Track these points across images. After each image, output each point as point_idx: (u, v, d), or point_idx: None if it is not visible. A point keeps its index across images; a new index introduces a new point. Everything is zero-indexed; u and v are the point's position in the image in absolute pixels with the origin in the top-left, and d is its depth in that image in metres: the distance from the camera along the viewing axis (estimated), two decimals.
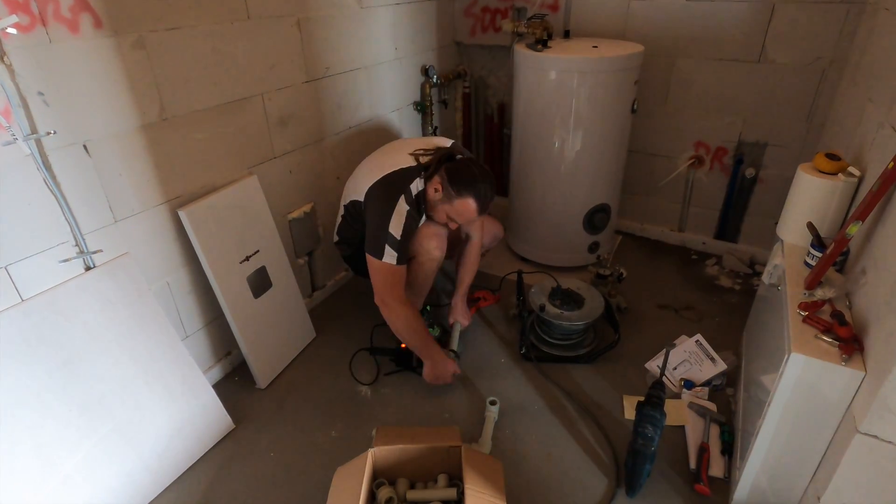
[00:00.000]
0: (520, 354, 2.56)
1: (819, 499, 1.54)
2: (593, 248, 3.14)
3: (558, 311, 2.48)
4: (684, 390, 2.31)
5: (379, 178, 2.24)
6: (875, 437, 1.38)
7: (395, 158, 2.30)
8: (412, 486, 1.87)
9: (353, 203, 2.37)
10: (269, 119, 2.40)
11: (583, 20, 3.17)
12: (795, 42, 2.70)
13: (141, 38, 1.84)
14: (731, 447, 2.04)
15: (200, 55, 2.05)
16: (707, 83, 3.00)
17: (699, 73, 3.00)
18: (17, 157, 1.60)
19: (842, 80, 2.64)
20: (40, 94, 1.61)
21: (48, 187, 1.68)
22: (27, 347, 1.63)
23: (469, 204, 2.19)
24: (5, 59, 1.52)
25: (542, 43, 2.83)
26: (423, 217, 2.33)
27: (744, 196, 3.16)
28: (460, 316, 2.67)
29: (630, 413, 2.22)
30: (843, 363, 1.46)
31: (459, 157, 2.31)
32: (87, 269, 1.84)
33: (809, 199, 1.97)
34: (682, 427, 2.16)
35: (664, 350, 2.08)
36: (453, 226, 2.33)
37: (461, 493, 1.75)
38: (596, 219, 3.04)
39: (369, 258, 2.22)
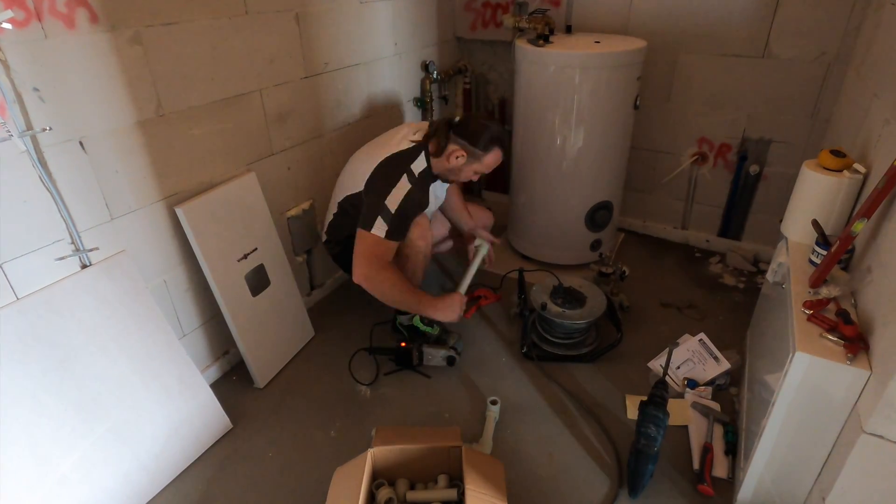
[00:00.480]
0: (521, 354, 2.57)
1: (824, 500, 1.54)
2: (595, 245, 3.14)
3: (560, 309, 2.48)
4: (688, 390, 2.31)
5: (379, 162, 2.29)
6: (881, 437, 1.38)
7: (390, 145, 2.35)
8: (412, 487, 1.87)
9: (350, 198, 2.38)
10: (267, 115, 2.40)
11: (585, 15, 3.16)
12: (800, 37, 2.70)
13: (137, 33, 1.84)
14: (735, 447, 2.04)
15: (198, 50, 2.05)
16: (710, 79, 3.00)
17: (702, 69, 2.99)
18: (12, 154, 1.59)
19: (847, 76, 2.64)
20: (36, 89, 1.61)
21: (44, 184, 1.67)
22: (22, 346, 1.63)
23: (497, 154, 2.39)
24: (0, 54, 1.52)
25: (543, 38, 2.83)
26: (430, 194, 2.43)
27: (748, 193, 3.16)
28: (484, 235, 2.68)
29: (633, 413, 2.22)
30: (849, 362, 1.46)
31: (457, 119, 2.40)
32: (84, 267, 1.83)
33: (814, 196, 1.97)
34: (686, 427, 2.16)
35: (667, 349, 2.08)
36: (475, 177, 2.47)
37: (461, 494, 1.75)
38: (598, 216, 3.04)
39: (358, 233, 2.26)
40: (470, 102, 3.70)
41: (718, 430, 2.12)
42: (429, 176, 2.36)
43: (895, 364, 1.31)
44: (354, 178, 2.36)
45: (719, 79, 2.97)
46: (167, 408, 2.00)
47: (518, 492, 1.94)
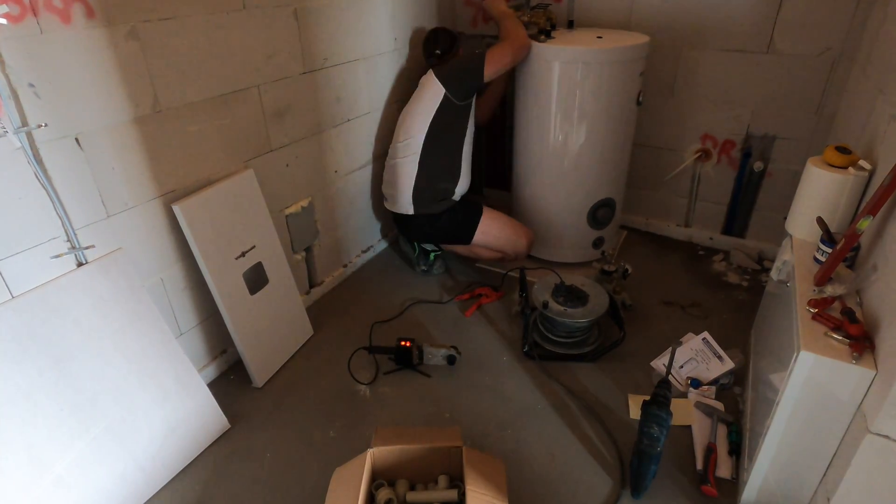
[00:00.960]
0: (522, 353, 2.57)
1: (829, 500, 1.54)
2: (597, 243, 3.14)
3: (562, 308, 2.48)
4: (691, 389, 2.31)
5: (430, 71, 2.81)
6: (886, 436, 1.38)
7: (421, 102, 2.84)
8: (412, 488, 1.87)
9: (427, 133, 2.82)
10: (265, 111, 2.39)
11: (587, 10, 3.16)
12: (804, 32, 2.69)
13: (134, 28, 1.83)
14: (739, 447, 2.04)
15: (195, 46, 2.04)
16: (714, 75, 2.99)
17: (706, 65, 2.99)
18: (7, 151, 1.59)
19: (852, 72, 2.63)
20: (31, 85, 1.61)
21: (39, 181, 1.67)
22: (17, 345, 1.63)
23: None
24: None
25: (545, 33, 2.82)
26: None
27: (752, 190, 3.16)
28: None
29: (635, 412, 2.22)
30: (854, 361, 1.46)
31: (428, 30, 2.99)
32: (79, 265, 1.83)
33: (819, 193, 1.97)
34: (689, 427, 2.16)
35: (670, 348, 2.08)
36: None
37: (462, 495, 1.75)
38: (600, 214, 3.03)
39: (498, 46, 2.76)
40: None
41: (722, 430, 2.12)
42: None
43: None
44: (420, 107, 2.83)
45: (723, 74, 2.97)
46: (164, 407, 2.00)
47: (519, 492, 1.94)
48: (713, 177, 3.24)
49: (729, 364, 2.34)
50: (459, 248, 3.13)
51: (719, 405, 2.23)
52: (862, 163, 1.90)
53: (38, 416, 1.67)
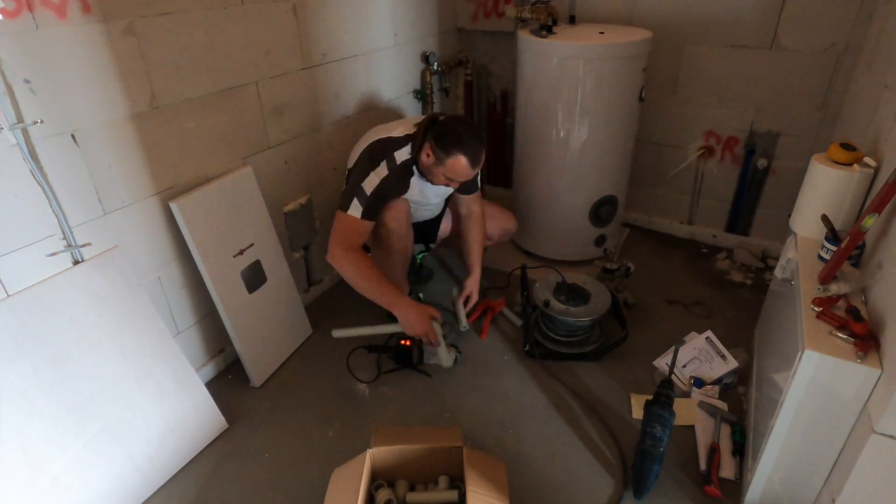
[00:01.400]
0: (524, 352, 2.57)
1: (834, 501, 1.54)
2: (600, 241, 3.13)
3: (563, 306, 2.48)
4: (694, 389, 2.31)
5: (368, 144, 2.38)
6: (892, 437, 1.38)
7: (387, 130, 2.40)
8: (412, 488, 1.87)
9: (349, 171, 2.46)
10: (263, 108, 2.39)
11: (589, 5, 3.15)
12: (809, 28, 2.69)
13: (131, 23, 1.83)
14: (743, 448, 2.04)
15: (193, 41, 2.04)
16: (717, 70, 2.99)
17: (709, 61, 2.99)
18: (2, 148, 1.59)
19: (857, 68, 2.63)
20: (27, 81, 1.61)
21: (35, 178, 1.67)
22: (13, 344, 1.63)
23: (460, 161, 2.22)
24: None
25: (546, 29, 2.82)
26: (411, 185, 2.41)
27: (756, 188, 3.15)
28: (473, 286, 2.68)
29: (638, 412, 2.22)
30: (859, 361, 1.46)
31: (442, 118, 2.33)
32: (76, 263, 1.83)
33: (824, 190, 1.97)
34: (692, 427, 2.16)
35: (673, 347, 2.08)
36: (454, 185, 2.37)
37: (463, 496, 1.75)
38: (602, 211, 3.03)
39: (337, 214, 2.32)
40: (471, 94, 3.69)
41: (726, 430, 2.12)
42: (410, 167, 2.35)
43: None
44: (353, 155, 2.44)
45: (726, 70, 2.96)
46: (161, 407, 2.00)
47: (520, 493, 1.94)
48: (716, 174, 3.24)
49: (732, 363, 2.34)
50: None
51: (723, 405, 2.23)
52: (867, 160, 1.89)
53: (34, 416, 1.67)
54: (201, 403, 2.15)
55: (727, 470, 1.98)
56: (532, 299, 2.59)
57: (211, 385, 2.38)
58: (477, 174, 2.42)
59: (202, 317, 2.37)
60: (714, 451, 2.01)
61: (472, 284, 2.66)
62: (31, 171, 1.66)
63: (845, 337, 1.52)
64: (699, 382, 2.32)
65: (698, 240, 3.46)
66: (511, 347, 2.62)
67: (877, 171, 1.88)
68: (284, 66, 2.44)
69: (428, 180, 2.37)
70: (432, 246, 2.95)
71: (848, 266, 1.81)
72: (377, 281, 2.31)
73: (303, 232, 2.78)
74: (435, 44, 3.41)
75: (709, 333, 2.45)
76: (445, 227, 2.86)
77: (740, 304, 2.86)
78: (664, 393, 1.94)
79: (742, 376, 2.36)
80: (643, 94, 2.84)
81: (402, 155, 2.32)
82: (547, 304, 2.48)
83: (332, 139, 2.81)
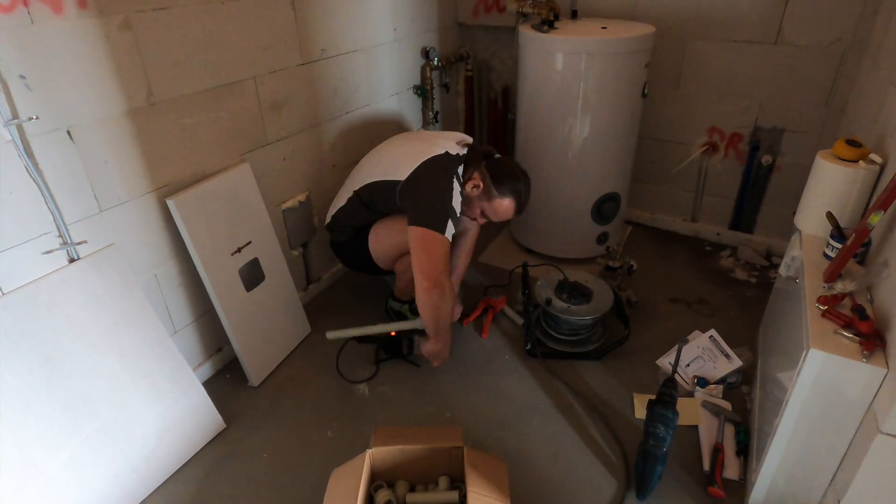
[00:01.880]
0: (525, 351, 2.57)
1: (839, 502, 1.54)
2: (602, 239, 3.13)
3: (565, 305, 2.48)
4: (697, 388, 2.31)
5: (429, 158, 2.25)
6: None
7: (437, 144, 2.33)
8: (412, 489, 1.87)
9: (377, 185, 2.34)
10: (261, 104, 2.39)
11: (591, 0, 3.15)
12: (814, 22, 2.69)
13: (128, 18, 1.83)
14: (747, 448, 2.04)
15: (190, 36, 2.04)
16: (721, 66, 2.99)
17: (713, 56, 2.98)
18: None
19: (863, 63, 2.63)
20: (22, 77, 1.60)
21: (30, 175, 1.67)
22: (8, 343, 1.63)
23: (508, 205, 2.31)
24: None
25: (548, 24, 2.82)
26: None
27: (760, 184, 3.15)
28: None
29: (641, 412, 2.22)
30: (865, 360, 1.46)
31: (498, 156, 2.36)
32: (71, 260, 1.83)
33: (829, 187, 1.96)
34: (696, 427, 2.16)
35: (676, 346, 2.08)
36: (482, 221, 2.40)
37: (463, 496, 1.75)
38: (605, 208, 3.03)
39: (424, 231, 2.14)
40: (472, 90, 3.69)
41: (729, 430, 2.12)
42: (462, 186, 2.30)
43: None
44: (390, 166, 2.31)
45: (731, 66, 2.96)
46: (158, 407, 2.00)
47: (522, 494, 1.94)
48: (720, 171, 3.23)
49: (736, 362, 2.34)
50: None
51: (727, 404, 2.23)
52: (873, 156, 1.89)
53: (29, 416, 1.67)
54: (198, 403, 2.15)
55: (731, 470, 1.99)
56: (533, 298, 2.59)
57: (208, 384, 2.38)
58: None
59: (199, 315, 2.37)
60: (718, 451, 2.01)
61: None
62: (26, 168, 1.66)
63: (851, 336, 1.52)
64: (703, 382, 2.32)
65: (702, 237, 3.46)
66: (512, 346, 2.62)
67: (883, 167, 1.88)
68: (283, 62, 2.43)
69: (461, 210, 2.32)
70: None
71: (853, 264, 1.81)
72: (447, 318, 2.29)
73: (301, 229, 2.78)
74: (435, 39, 3.41)
75: (712, 332, 2.45)
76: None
77: (744, 303, 2.86)
78: (667, 392, 1.93)
79: (746, 375, 2.36)
80: (646, 90, 2.84)
81: (459, 172, 2.30)
82: (549, 302, 2.47)
83: (331, 136, 2.81)
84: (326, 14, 2.58)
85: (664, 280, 3.06)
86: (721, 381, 2.32)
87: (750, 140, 3.07)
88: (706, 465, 2.01)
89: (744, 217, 3.29)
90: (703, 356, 2.40)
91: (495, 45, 3.58)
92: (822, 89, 2.80)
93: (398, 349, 2.51)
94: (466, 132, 3.45)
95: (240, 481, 2.03)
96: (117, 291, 1.91)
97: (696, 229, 3.47)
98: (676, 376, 1.98)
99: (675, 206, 3.49)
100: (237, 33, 2.20)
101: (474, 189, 2.30)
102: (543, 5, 2.87)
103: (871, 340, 1.49)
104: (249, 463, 2.09)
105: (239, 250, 2.32)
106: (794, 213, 2.15)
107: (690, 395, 2.30)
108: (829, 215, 1.85)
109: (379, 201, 2.37)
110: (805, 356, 1.52)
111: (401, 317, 2.62)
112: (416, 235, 2.16)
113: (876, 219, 1.60)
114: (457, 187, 2.23)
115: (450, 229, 2.16)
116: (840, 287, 1.68)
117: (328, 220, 2.59)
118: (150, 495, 1.98)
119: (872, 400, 1.48)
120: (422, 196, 2.22)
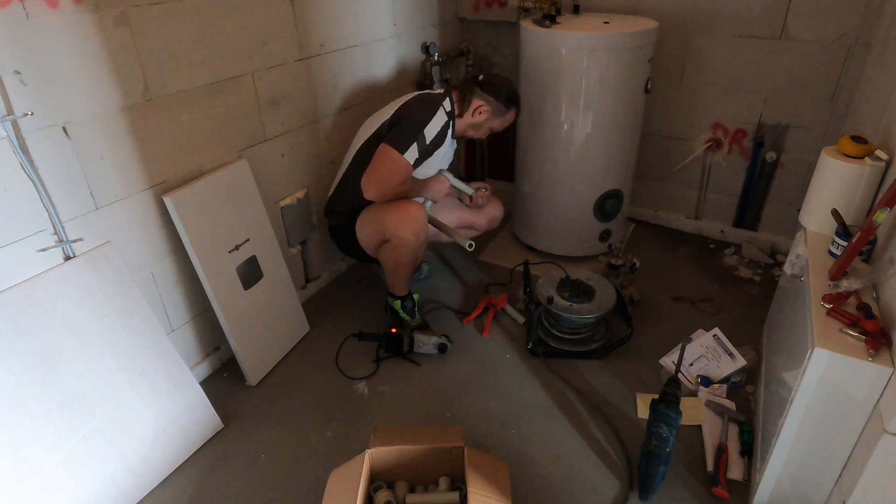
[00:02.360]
0: (526, 350, 2.56)
1: (844, 502, 1.54)
2: (604, 236, 3.13)
3: (567, 303, 2.48)
4: (701, 388, 2.31)
5: (411, 97, 2.51)
6: None
7: (409, 95, 2.56)
8: (412, 490, 1.87)
9: (367, 143, 2.48)
10: (259, 99, 2.39)
11: None
12: (819, 18, 2.68)
13: (124, 13, 1.83)
14: (751, 448, 2.04)
15: (187, 32, 2.04)
16: (725, 61, 2.98)
17: (717, 51, 2.98)
18: None
19: (868, 59, 2.62)
20: (17, 72, 1.60)
21: (25, 172, 1.67)
22: (2, 342, 1.63)
23: (513, 113, 2.65)
24: None
25: (549, 18, 2.81)
26: (448, 140, 2.55)
27: (764, 181, 3.15)
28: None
29: (644, 412, 2.22)
30: (870, 359, 1.46)
31: (481, 77, 2.58)
32: (67, 258, 1.83)
33: (834, 184, 1.96)
34: (699, 427, 2.16)
35: (680, 345, 2.07)
36: (483, 135, 2.67)
37: (464, 497, 1.75)
38: (607, 205, 3.03)
39: (386, 148, 2.36)
40: None
41: (733, 430, 2.12)
42: (453, 120, 2.52)
43: None
44: (375, 121, 2.51)
45: (734, 61, 2.96)
46: (155, 406, 2.00)
47: (523, 494, 1.94)
48: (724, 167, 3.23)
49: (741, 361, 2.34)
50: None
51: (731, 404, 2.23)
52: (878, 153, 1.89)
53: (23, 416, 1.67)
54: (196, 402, 2.15)
55: (735, 471, 1.99)
56: (535, 296, 2.59)
57: (206, 384, 2.38)
58: None
59: (197, 314, 2.37)
60: (722, 451, 2.02)
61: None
62: (21, 165, 1.66)
63: (856, 334, 1.52)
64: (706, 381, 2.32)
65: (705, 235, 3.46)
66: (514, 345, 2.62)
67: (888, 164, 1.88)
68: (281, 57, 2.43)
69: (468, 136, 2.64)
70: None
71: (859, 262, 1.81)
72: (409, 182, 2.47)
73: (300, 227, 2.78)
74: (435, 34, 3.40)
75: (716, 331, 2.45)
76: (452, 217, 2.84)
77: (748, 301, 2.86)
78: (671, 392, 1.93)
79: (750, 375, 2.36)
80: (649, 86, 2.84)
81: (448, 105, 2.49)
82: (550, 300, 2.47)
83: (329, 132, 2.81)
84: (325, 8, 2.57)
85: (667, 278, 3.06)
86: (725, 380, 2.32)
87: (754, 136, 3.07)
88: (710, 466, 2.01)
89: (748, 214, 3.28)
90: (706, 355, 2.40)
91: (496, 41, 3.58)
92: (827, 85, 2.80)
93: (398, 347, 2.51)
94: None
95: (237, 482, 2.03)
96: (113, 289, 1.91)
97: (699, 227, 3.47)
98: (680, 375, 1.98)
99: (678, 204, 3.49)
100: (234, 28, 2.20)
101: (482, 114, 2.54)
102: (545, 0, 2.87)
103: (876, 339, 1.48)
104: (247, 463, 2.09)
105: (237, 248, 2.32)
106: (799, 211, 2.15)
107: (694, 394, 2.30)
108: (835, 212, 1.85)
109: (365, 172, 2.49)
110: (810, 355, 1.52)
111: (395, 314, 2.63)
112: (378, 150, 2.39)
113: (882, 216, 1.60)
114: (441, 118, 2.42)
115: (412, 152, 2.36)
116: (845, 285, 1.68)
117: (327, 204, 2.70)
118: (147, 496, 1.98)
119: (878, 399, 1.48)
120: (400, 124, 2.42)
